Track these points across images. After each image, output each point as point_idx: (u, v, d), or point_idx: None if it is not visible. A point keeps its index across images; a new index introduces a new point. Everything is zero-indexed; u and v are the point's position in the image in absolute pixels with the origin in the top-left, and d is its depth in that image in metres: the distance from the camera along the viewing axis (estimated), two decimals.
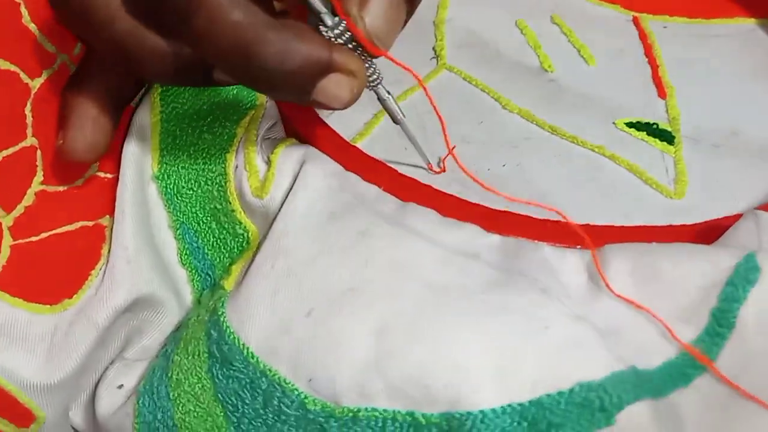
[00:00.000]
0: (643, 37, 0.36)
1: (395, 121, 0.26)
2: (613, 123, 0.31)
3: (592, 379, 0.20)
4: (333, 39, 0.23)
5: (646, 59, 0.34)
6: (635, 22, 0.37)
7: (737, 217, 0.23)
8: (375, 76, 0.25)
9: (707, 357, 0.20)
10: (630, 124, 0.31)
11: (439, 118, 0.25)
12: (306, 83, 0.22)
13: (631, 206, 0.27)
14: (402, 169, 0.27)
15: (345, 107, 0.23)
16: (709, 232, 0.24)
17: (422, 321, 0.21)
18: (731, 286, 0.20)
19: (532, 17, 0.37)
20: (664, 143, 0.30)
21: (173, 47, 0.22)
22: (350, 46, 0.23)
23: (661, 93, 0.32)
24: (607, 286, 0.21)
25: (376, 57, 0.24)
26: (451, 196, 0.25)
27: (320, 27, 0.23)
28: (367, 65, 0.24)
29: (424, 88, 0.24)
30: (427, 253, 0.23)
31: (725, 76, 0.34)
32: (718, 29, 0.37)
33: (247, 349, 0.23)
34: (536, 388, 0.20)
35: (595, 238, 0.23)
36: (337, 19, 0.22)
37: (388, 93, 0.26)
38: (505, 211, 0.24)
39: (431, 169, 0.28)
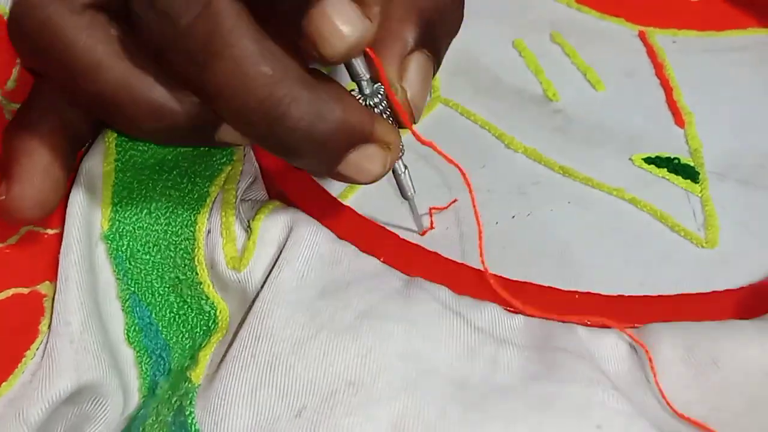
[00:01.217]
0: (651, 54, 0.33)
1: (404, 196, 0.23)
2: (630, 159, 0.28)
3: None
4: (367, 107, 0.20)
5: (658, 80, 0.31)
6: (642, 36, 0.34)
7: None
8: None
9: None
10: (649, 160, 0.28)
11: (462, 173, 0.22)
12: (336, 152, 0.18)
13: (660, 259, 0.24)
14: (402, 232, 0.23)
15: (371, 182, 0.20)
16: (757, 296, 0.21)
17: (447, 424, 0.18)
18: None
19: (529, 35, 0.33)
20: (688, 181, 0.27)
21: (176, 101, 0.19)
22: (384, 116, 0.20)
23: (678, 120, 0.30)
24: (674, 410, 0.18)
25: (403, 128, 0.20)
26: (464, 266, 0.22)
27: (354, 92, 0.20)
28: None
29: (468, 186, 0.21)
30: (447, 341, 0.19)
31: (746, 95, 0.31)
32: (732, 42, 0.34)
33: None
34: None
35: (628, 312, 0.21)
36: (376, 86, 0.19)
37: (405, 167, 0.23)
38: (528, 283, 0.21)
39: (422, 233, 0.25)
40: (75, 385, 0.21)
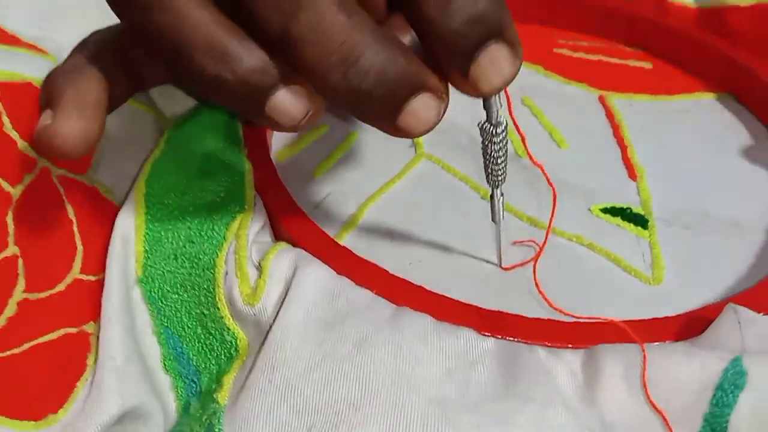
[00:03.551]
0: (610, 116, 0.37)
1: (493, 219, 0.27)
2: (589, 209, 0.32)
3: None
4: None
5: (615, 139, 0.36)
6: (601, 100, 0.39)
7: (718, 308, 0.24)
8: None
9: None
10: (605, 210, 0.32)
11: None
12: (400, 98, 0.20)
13: (613, 295, 0.28)
14: (389, 263, 0.27)
15: (426, 131, 0.21)
16: (692, 324, 0.25)
17: None
18: (721, 390, 0.21)
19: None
20: (639, 228, 0.31)
21: (244, 49, 0.20)
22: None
23: (632, 174, 0.34)
24: (648, 397, 0.22)
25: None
26: (445, 297, 0.25)
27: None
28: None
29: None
30: (428, 365, 0.23)
31: (690, 152, 0.35)
32: (681, 105, 0.39)
33: None
34: None
35: (581, 336, 0.24)
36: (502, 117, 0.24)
37: (502, 194, 0.27)
38: (498, 312, 0.25)
39: (501, 267, 0.29)
40: (121, 409, 0.25)
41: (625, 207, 0.32)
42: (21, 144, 0.25)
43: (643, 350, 0.22)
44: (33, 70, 0.26)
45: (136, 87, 0.27)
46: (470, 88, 0.21)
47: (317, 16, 0.19)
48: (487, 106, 0.23)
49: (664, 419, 0.21)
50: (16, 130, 0.25)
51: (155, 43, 0.20)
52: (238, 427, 0.23)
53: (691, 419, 0.21)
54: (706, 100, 0.39)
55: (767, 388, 0.20)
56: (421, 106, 0.21)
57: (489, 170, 0.26)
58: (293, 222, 0.28)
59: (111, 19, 0.30)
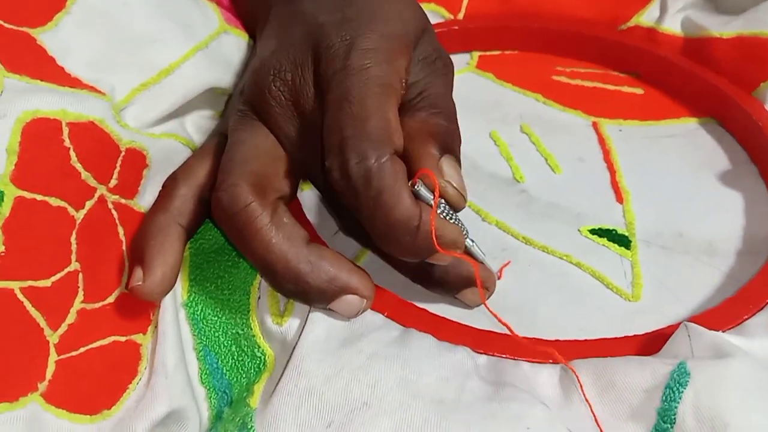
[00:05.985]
0: (601, 141, 0.41)
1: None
2: (578, 230, 0.36)
3: None
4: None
5: (605, 164, 0.40)
6: (594, 126, 0.42)
7: (676, 327, 0.29)
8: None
9: None
10: (593, 231, 0.36)
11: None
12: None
13: (595, 310, 0.32)
14: (398, 283, 0.31)
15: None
16: (656, 340, 0.29)
17: (429, 428, 0.26)
18: (669, 389, 0.25)
19: (503, 127, 0.42)
20: (622, 248, 0.35)
21: (314, 275, 0.29)
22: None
23: (619, 198, 0.38)
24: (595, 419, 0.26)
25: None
26: (445, 319, 0.30)
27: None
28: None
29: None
30: (429, 374, 0.27)
31: (673, 176, 0.39)
32: (667, 129, 0.42)
33: None
34: None
35: (563, 351, 0.28)
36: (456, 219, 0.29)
37: (472, 241, 0.31)
38: (490, 332, 0.29)
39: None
40: (168, 409, 0.29)
41: (611, 228, 0.36)
42: (84, 175, 0.29)
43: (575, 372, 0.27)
44: (95, 111, 0.30)
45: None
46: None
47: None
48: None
49: (594, 416, 0.26)
50: (80, 163, 0.29)
51: (245, 254, 0.29)
52: (268, 425, 0.27)
53: (647, 413, 0.25)
54: (691, 124, 0.42)
55: (705, 385, 0.25)
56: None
57: None
58: None
59: (154, 62, 0.34)
